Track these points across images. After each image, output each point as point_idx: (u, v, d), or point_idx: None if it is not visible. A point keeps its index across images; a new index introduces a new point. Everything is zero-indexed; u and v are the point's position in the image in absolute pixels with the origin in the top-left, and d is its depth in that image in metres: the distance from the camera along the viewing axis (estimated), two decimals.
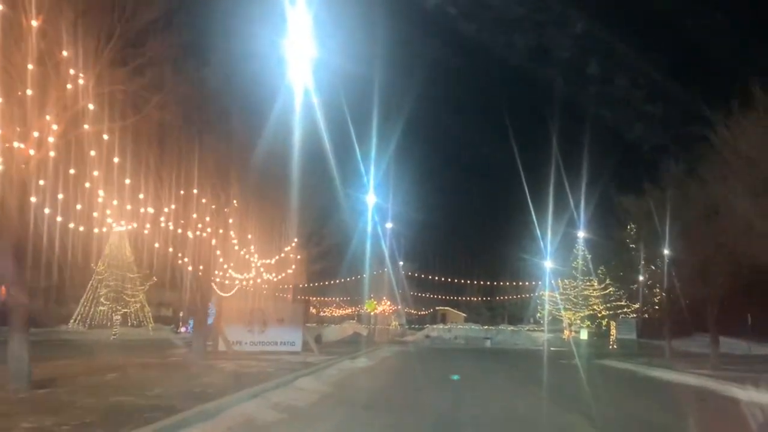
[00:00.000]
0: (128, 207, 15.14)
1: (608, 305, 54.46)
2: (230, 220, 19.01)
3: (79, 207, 13.04)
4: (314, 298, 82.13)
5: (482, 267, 68.59)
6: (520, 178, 45.74)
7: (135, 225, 16.27)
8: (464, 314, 77.99)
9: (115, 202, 14.32)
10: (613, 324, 52.07)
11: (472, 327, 62.61)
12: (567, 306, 58.90)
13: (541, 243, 53.47)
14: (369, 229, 49.61)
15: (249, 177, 20.25)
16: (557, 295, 59.82)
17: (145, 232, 16.58)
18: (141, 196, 15.59)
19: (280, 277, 23.91)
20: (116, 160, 13.71)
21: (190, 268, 18.13)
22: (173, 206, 17.37)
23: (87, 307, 51.11)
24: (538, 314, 66.45)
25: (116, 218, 14.87)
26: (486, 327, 63.21)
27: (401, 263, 65.09)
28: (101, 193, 13.58)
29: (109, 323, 50.10)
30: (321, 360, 23.06)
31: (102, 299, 49.79)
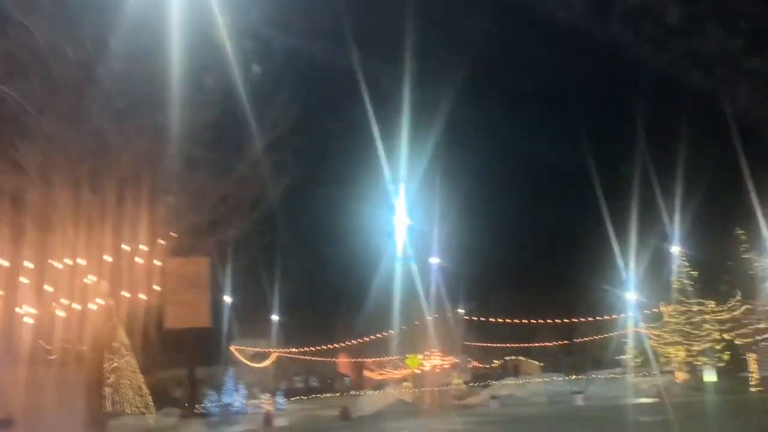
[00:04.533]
0: None
1: (740, 332, 40.25)
2: None
3: None
4: (369, 360, 69.70)
5: (557, 304, 54.68)
6: (595, 191, 37.99)
7: None
8: (540, 363, 63.89)
9: None
10: (752, 357, 37.51)
11: (554, 379, 47.98)
12: (675, 338, 44.90)
13: (624, 271, 42.71)
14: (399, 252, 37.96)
15: None
16: (643, 329, 48.22)
17: None
18: None
19: None
20: None
21: None
22: None
23: None
24: (628, 354, 52.87)
25: None
26: (573, 377, 48.59)
27: (461, 310, 52.69)
28: None
29: None
30: None
31: None
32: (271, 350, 61.83)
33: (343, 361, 71.51)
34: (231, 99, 13.05)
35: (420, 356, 44.86)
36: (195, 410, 48.94)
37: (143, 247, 12.04)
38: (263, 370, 61.71)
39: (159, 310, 13.59)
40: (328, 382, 73.13)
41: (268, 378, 61.99)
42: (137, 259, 11.94)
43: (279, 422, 38.40)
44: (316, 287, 61.97)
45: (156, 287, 12.46)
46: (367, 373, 73.15)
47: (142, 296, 12.19)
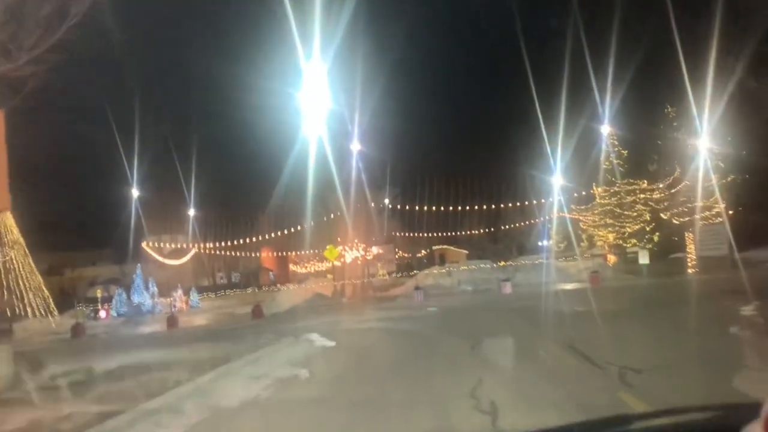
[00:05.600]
0: None
1: (675, 211, 38.35)
2: None
3: None
4: (292, 253, 66.77)
5: (483, 191, 51.96)
6: (524, 70, 35.95)
7: None
8: (465, 251, 62.06)
9: None
10: (689, 236, 35.61)
11: (481, 266, 45.49)
12: (607, 220, 43.03)
13: (551, 154, 40.47)
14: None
15: None
16: (572, 213, 45.64)
17: None
18: None
19: None
20: None
21: None
22: None
23: None
24: (553, 239, 51.26)
25: None
26: (501, 263, 46.07)
27: (386, 199, 49.90)
28: None
29: None
30: None
31: None
32: (189, 245, 58.30)
33: (266, 256, 68.74)
34: None
35: (339, 248, 41.73)
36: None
37: None
38: (181, 267, 58.28)
39: None
40: (251, 277, 70.48)
41: (186, 275, 58.80)
42: None
43: (190, 321, 35.58)
44: (235, 177, 58.58)
45: None
46: (292, 267, 70.70)
47: None
